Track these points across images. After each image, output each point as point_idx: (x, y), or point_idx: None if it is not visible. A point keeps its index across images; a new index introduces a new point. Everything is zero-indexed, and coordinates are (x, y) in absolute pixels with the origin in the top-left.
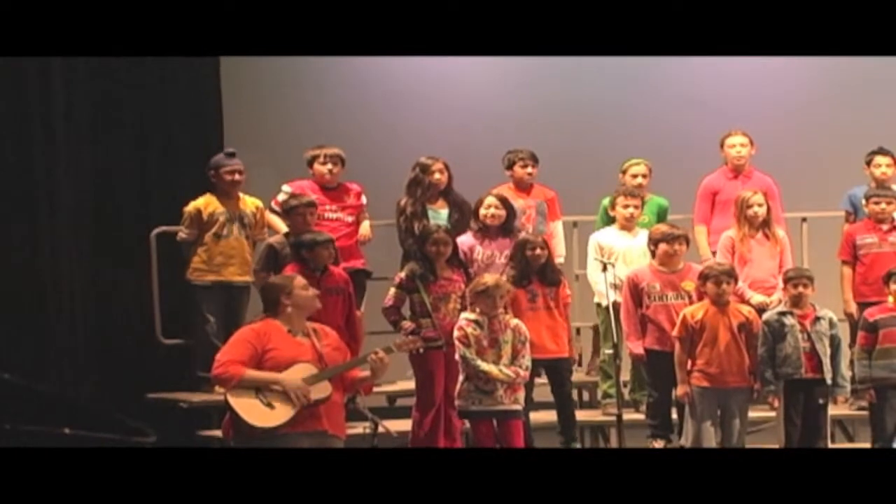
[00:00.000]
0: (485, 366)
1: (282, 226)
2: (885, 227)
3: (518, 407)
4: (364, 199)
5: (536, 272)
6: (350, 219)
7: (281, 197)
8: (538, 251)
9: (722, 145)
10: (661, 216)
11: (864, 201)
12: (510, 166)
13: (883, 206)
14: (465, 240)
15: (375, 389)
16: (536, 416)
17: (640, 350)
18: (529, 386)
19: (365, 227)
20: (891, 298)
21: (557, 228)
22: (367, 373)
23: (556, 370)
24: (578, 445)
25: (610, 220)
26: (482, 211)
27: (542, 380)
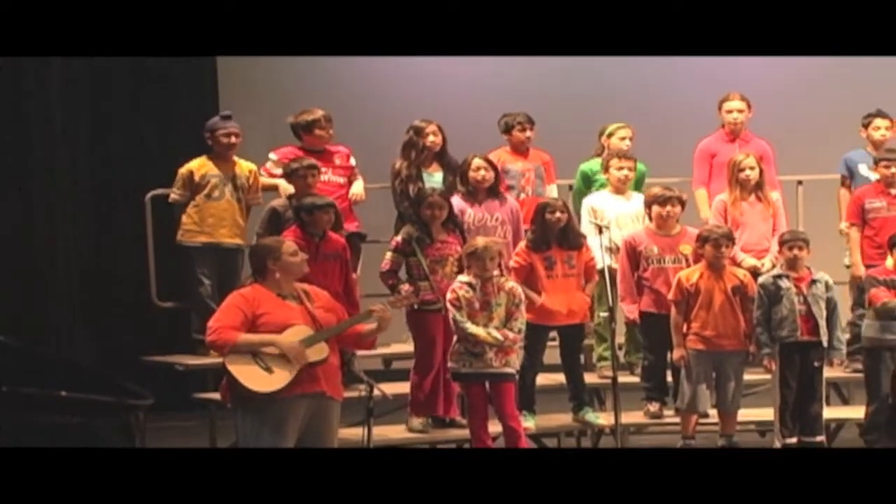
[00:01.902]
0: (472, 328)
1: (284, 186)
2: (893, 191)
3: (510, 370)
4: (353, 161)
5: (556, 236)
6: (342, 180)
7: (268, 164)
8: (558, 214)
9: (720, 108)
10: (639, 181)
11: (870, 165)
12: (507, 130)
13: (893, 169)
14: (456, 202)
15: (372, 352)
16: (542, 379)
17: (635, 314)
18: (540, 349)
19: (358, 187)
20: (890, 261)
21: (553, 191)
22: (372, 325)
23: (569, 336)
24: (591, 410)
25: (589, 185)
26: (471, 174)
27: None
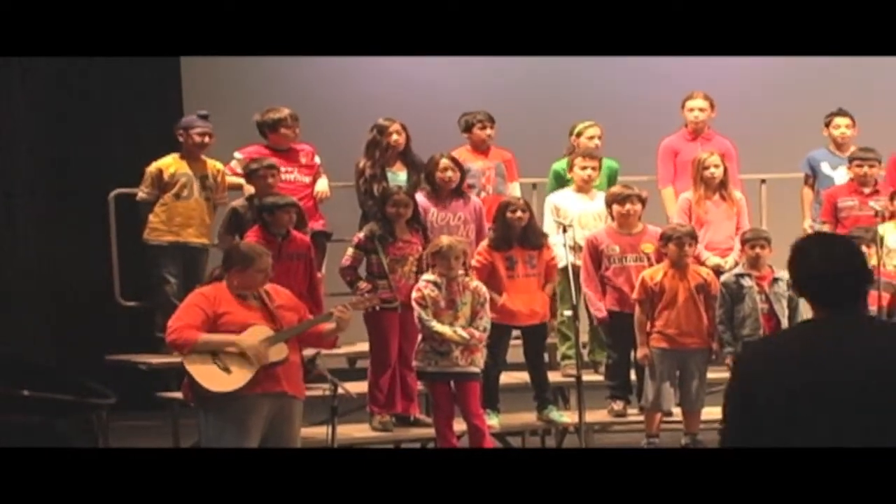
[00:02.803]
0: (439, 327)
1: (247, 185)
2: (866, 190)
3: (475, 369)
4: (318, 159)
5: (517, 235)
6: (307, 179)
7: (232, 163)
8: (519, 213)
9: (682, 107)
10: (612, 179)
11: (832, 164)
12: (468, 128)
13: (866, 169)
14: (420, 201)
15: (335, 351)
16: (507, 378)
17: (603, 313)
18: (503, 348)
19: (322, 185)
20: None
21: (515, 189)
22: (331, 326)
23: (532, 335)
24: (555, 409)
25: (561, 184)
26: (438, 174)
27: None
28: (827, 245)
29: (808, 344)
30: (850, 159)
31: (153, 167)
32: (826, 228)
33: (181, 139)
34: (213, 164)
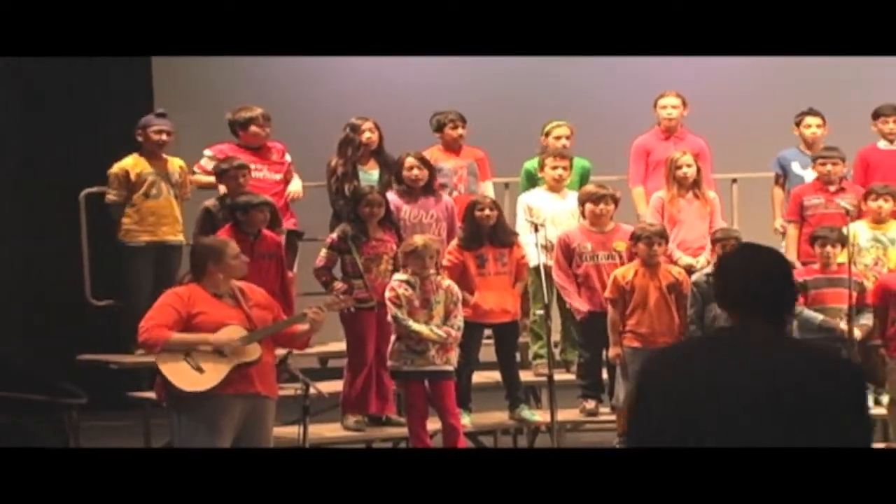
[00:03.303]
0: (416, 326)
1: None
2: (832, 188)
3: (450, 367)
4: (288, 158)
5: (487, 234)
6: (277, 177)
7: (203, 161)
8: (487, 212)
9: (655, 106)
10: (584, 178)
11: (802, 163)
12: (439, 128)
13: (829, 167)
14: (391, 200)
15: (307, 351)
16: (478, 377)
17: (586, 308)
18: (475, 346)
19: (295, 185)
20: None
21: (488, 188)
22: (305, 327)
23: (504, 334)
24: (527, 408)
25: (533, 183)
26: (405, 172)
27: (488, 340)
28: (753, 257)
29: (712, 354)
30: (814, 158)
31: (117, 169)
32: (792, 227)
33: (140, 139)
34: (175, 162)
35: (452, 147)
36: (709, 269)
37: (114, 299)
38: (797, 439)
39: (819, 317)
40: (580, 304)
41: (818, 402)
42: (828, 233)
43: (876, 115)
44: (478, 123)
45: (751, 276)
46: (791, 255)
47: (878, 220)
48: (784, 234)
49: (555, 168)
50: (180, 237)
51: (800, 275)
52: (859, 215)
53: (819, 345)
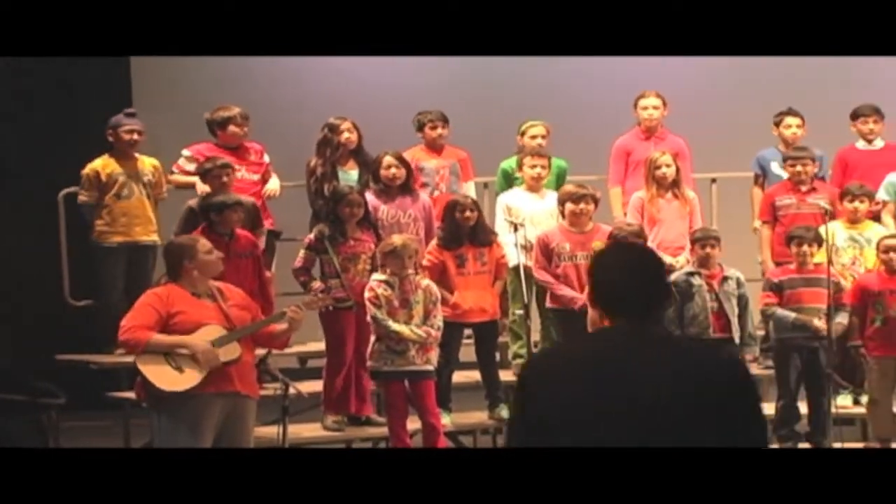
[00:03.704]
0: (396, 326)
1: (202, 185)
2: (804, 188)
3: (430, 367)
4: (267, 158)
5: (467, 234)
6: (255, 177)
7: (181, 161)
8: (468, 213)
9: (635, 106)
10: (560, 178)
11: (781, 163)
12: (420, 128)
13: (799, 168)
14: (369, 199)
15: (286, 350)
16: (458, 377)
17: (579, 294)
18: (455, 346)
19: (273, 184)
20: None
21: (470, 189)
22: (283, 326)
23: (484, 334)
24: (507, 407)
25: (509, 183)
26: (382, 171)
27: (468, 340)
28: (623, 254)
29: (594, 354)
30: (784, 159)
31: (89, 169)
32: (765, 228)
33: (111, 139)
34: (147, 161)
35: (435, 147)
36: (689, 269)
37: (92, 299)
38: (686, 437)
39: (791, 315)
40: (572, 293)
41: (699, 399)
42: (804, 232)
43: (855, 116)
44: (456, 123)
45: (620, 274)
46: (765, 256)
47: (854, 221)
48: None
49: (533, 167)
50: (154, 237)
51: (775, 275)
52: (834, 215)
53: (698, 342)
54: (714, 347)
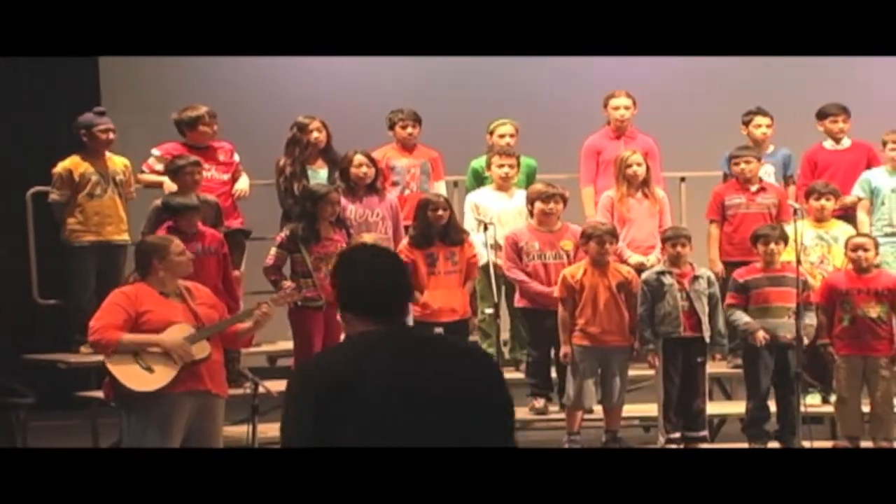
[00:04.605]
0: None
1: (169, 184)
2: (753, 187)
3: None
4: (237, 157)
5: (438, 232)
6: (225, 177)
7: (151, 161)
8: (440, 212)
9: (605, 105)
10: (530, 177)
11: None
12: (391, 126)
13: (742, 166)
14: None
15: (256, 349)
16: None
17: (550, 289)
18: None
19: (242, 183)
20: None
21: (441, 188)
22: (248, 324)
23: (453, 332)
24: None
25: (480, 182)
26: (353, 170)
27: None
28: (365, 257)
29: (365, 356)
30: (730, 157)
31: (61, 168)
32: (714, 227)
33: (84, 139)
34: (118, 160)
35: (406, 146)
36: (660, 268)
37: (60, 299)
38: (449, 435)
39: (743, 319)
40: (544, 289)
41: (458, 398)
42: (770, 231)
43: (823, 115)
44: (426, 122)
45: (367, 277)
46: (713, 255)
47: (821, 219)
48: None
49: (501, 166)
50: (125, 236)
51: (741, 275)
52: (803, 214)
53: (454, 341)
54: (470, 348)
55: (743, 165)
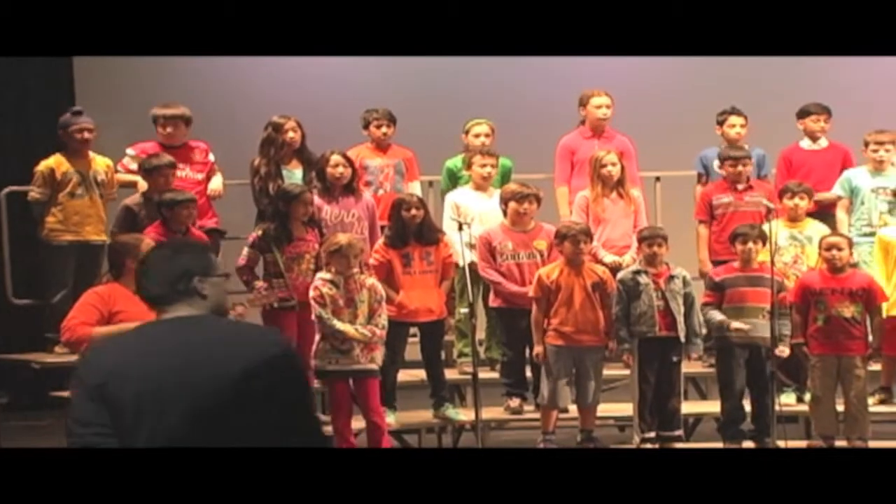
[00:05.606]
0: (340, 325)
1: (143, 183)
2: (740, 186)
3: (374, 366)
4: (212, 157)
5: (413, 232)
6: (199, 176)
7: (126, 160)
8: (414, 212)
9: (584, 105)
10: (505, 176)
11: (718, 163)
12: (366, 126)
13: (740, 168)
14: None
15: None
16: (403, 375)
17: (525, 290)
18: (401, 345)
19: (216, 182)
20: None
21: (415, 189)
22: None
23: (429, 332)
24: (451, 406)
25: (454, 181)
26: (329, 170)
27: (413, 339)
28: (151, 251)
29: (158, 343)
30: (723, 159)
31: (43, 167)
32: (702, 227)
33: (64, 139)
34: (100, 161)
35: (380, 145)
36: (635, 267)
37: (34, 298)
38: (245, 424)
39: (717, 317)
40: (518, 289)
41: (252, 383)
42: (748, 230)
43: (804, 114)
44: (401, 121)
45: (147, 268)
46: (702, 255)
47: (794, 219)
48: None
49: (483, 166)
50: (104, 237)
51: (717, 274)
52: (776, 213)
53: (248, 326)
54: (264, 332)
55: (740, 167)
